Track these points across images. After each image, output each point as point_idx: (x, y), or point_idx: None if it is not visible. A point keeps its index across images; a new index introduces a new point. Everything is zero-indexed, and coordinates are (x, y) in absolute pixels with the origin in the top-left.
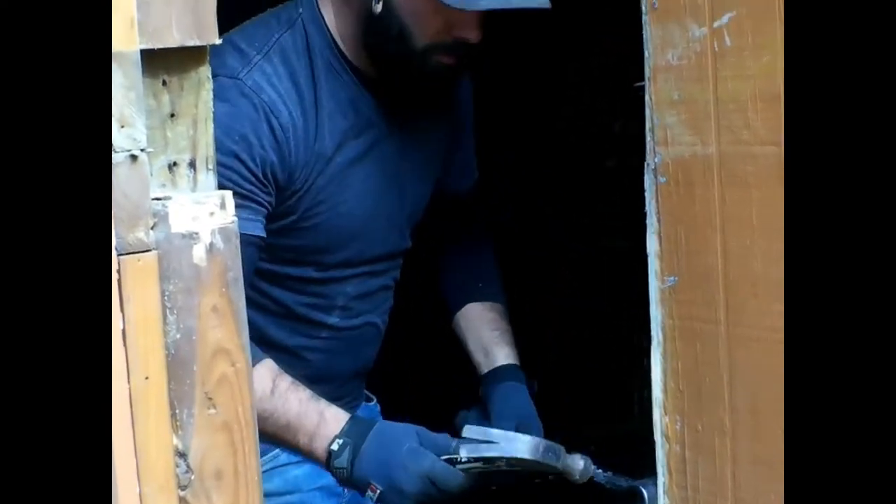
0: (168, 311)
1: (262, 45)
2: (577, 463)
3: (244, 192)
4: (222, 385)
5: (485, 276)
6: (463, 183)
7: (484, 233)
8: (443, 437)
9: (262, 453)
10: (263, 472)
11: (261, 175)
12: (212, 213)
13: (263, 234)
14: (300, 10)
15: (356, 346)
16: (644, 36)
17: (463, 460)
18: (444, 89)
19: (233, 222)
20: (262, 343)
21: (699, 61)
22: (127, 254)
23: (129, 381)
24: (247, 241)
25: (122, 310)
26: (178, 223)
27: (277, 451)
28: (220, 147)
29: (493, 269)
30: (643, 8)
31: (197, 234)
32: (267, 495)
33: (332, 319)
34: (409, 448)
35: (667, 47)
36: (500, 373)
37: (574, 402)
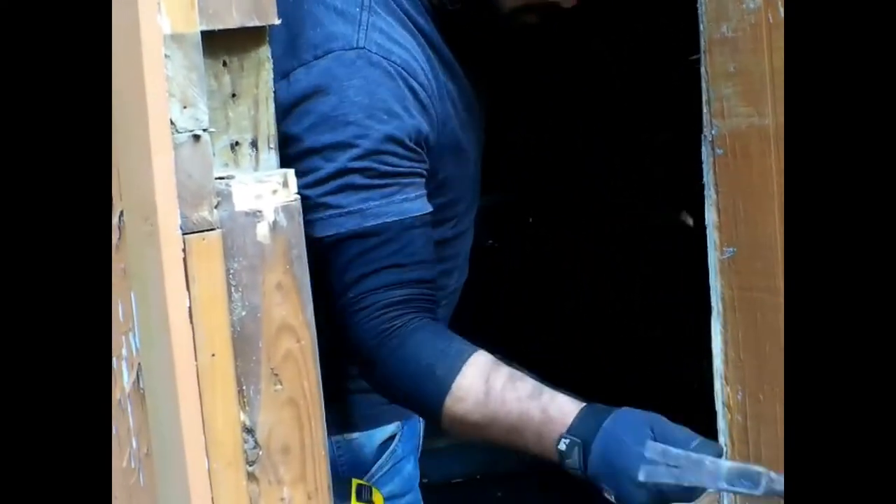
0: (233, 288)
1: None
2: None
3: (406, 170)
4: (287, 361)
5: None
6: None
7: None
8: (681, 432)
9: (382, 451)
10: (385, 472)
11: (415, 146)
12: (275, 192)
13: (431, 209)
14: None
15: (453, 310)
16: (699, 9)
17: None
18: (523, 48)
19: (296, 200)
20: None
21: (754, 33)
22: (191, 233)
23: (196, 359)
24: (423, 221)
25: (187, 288)
26: (242, 202)
27: (394, 444)
28: (369, 132)
29: None
30: None
31: (260, 212)
32: (390, 498)
33: (452, 280)
34: (637, 454)
35: (721, 20)
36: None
37: (633, 375)
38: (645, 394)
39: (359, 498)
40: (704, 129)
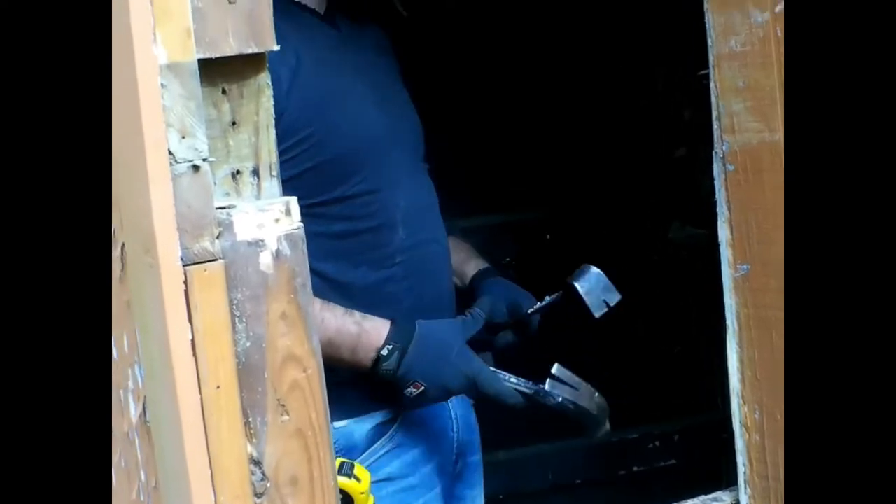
0: (237, 319)
1: None
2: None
3: None
4: (294, 391)
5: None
6: None
7: None
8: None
9: (377, 436)
10: (381, 455)
11: None
12: (277, 220)
13: None
14: None
15: (431, 267)
16: (706, 24)
17: (510, 380)
18: None
19: (299, 228)
20: (345, 290)
21: (762, 47)
22: (193, 264)
23: (200, 391)
24: None
25: (190, 320)
26: (244, 231)
27: (393, 430)
28: None
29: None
30: None
31: (263, 241)
32: (387, 479)
33: (399, 235)
34: (458, 350)
35: (729, 34)
36: (479, 276)
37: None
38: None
39: (340, 472)
40: (715, 146)
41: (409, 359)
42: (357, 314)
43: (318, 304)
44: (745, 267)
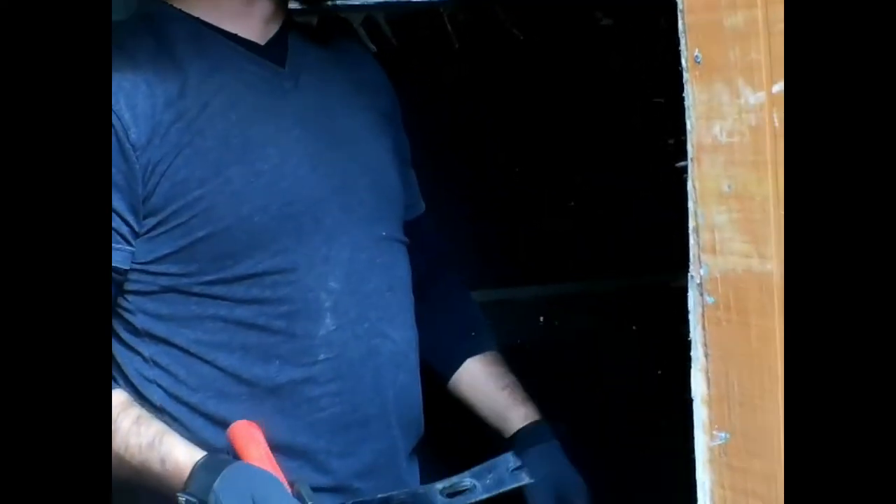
0: None
1: None
2: None
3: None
4: None
5: (473, 323)
6: (412, 211)
7: (451, 269)
8: (288, 500)
9: None
10: None
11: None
12: None
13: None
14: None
15: (374, 370)
16: (685, 101)
17: None
18: None
19: None
20: (251, 389)
21: (755, 139)
22: None
23: None
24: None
25: None
26: None
27: None
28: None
29: (476, 309)
30: (683, 63)
31: None
32: None
33: (326, 325)
34: None
35: (713, 118)
36: (524, 437)
37: None
38: None
39: None
40: (690, 267)
41: None
42: (165, 445)
43: (128, 421)
44: (723, 435)
